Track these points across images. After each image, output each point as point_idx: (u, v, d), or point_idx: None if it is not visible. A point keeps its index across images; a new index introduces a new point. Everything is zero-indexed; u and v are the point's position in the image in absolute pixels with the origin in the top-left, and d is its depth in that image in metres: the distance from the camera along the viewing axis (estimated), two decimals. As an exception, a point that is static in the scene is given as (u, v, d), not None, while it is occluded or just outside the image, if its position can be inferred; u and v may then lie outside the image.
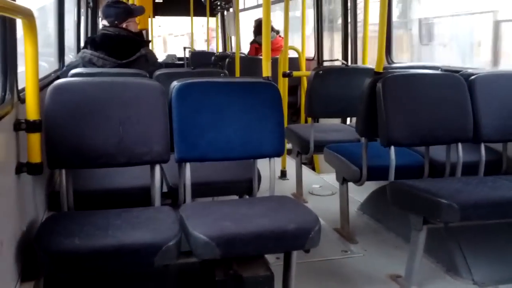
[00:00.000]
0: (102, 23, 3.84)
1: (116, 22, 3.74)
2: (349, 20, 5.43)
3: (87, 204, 2.36)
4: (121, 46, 3.66)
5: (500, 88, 2.98)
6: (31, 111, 2.05)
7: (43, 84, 2.54)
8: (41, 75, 2.28)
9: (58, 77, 3.31)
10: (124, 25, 3.78)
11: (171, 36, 9.52)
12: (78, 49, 5.29)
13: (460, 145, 2.87)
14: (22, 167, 2.04)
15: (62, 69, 3.99)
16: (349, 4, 5.39)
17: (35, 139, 2.08)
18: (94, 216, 2.09)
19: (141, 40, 3.90)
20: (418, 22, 7.66)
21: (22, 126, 2.05)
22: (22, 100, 2.11)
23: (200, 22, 8.65)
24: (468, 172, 2.88)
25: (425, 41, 7.76)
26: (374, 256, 3.00)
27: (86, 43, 3.87)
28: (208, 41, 9.23)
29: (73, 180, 2.32)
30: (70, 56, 4.90)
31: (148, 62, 3.78)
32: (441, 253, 2.82)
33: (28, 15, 1.94)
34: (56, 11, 4.21)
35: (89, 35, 6.28)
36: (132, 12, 3.92)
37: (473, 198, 2.41)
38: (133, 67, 3.64)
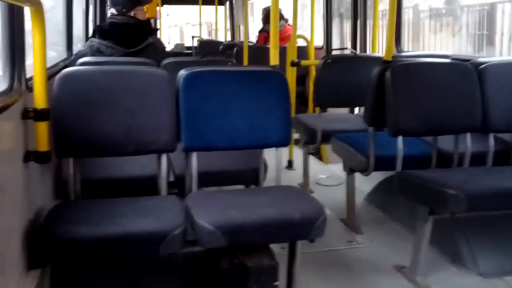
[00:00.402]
0: (110, 11, 3.85)
1: (124, 10, 3.74)
2: (358, 8, 5.38)
3: (94, 193, 2.38)
4: (129, 34, 3.67)
5: (510, 77, 2.95)
6: (39, 99, 2.07)
7: (51, 73, 2.55)
8: (49, 64, 2.29)
9: (66, 66, 3.33)
10: (132, 14, 3.78)
11: (188, 25, 9.43)
12: (87, 38, 5.30)
13: (468, 135, 2.84)
14: (30, 156, 2.06)
15: (71, 58, 4.00)
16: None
17: (43, 127, 2.09)
18: (101, 205, 2.11)
19: (149, 29, 3.90)
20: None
21: (30, 114, 2.06)
22: (30, 89, 2.12)
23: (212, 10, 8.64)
24: (476, 162, 2.86)
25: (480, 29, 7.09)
26: (379, 247, 3.00)
27: (94, 31, 3.88)
28: (216, 30, 9.19)
29: (80, 169, 2.34)
30: (78, 45, 4.91)
31: (156, 51, 3.79)
32: (447, 244, 2.82)
33: (36, 3, 1.95)
34: (64, 0, 4.21)
35: (97, 24, 6.28)
36: (140, 0, 3.92)
37: (480, 188, 2.39)
38: (141, 55, 3.65)
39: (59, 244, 1.83)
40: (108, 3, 3.88)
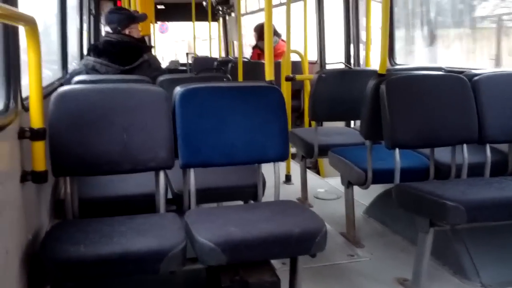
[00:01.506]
0: (105, 29, 3.87)
1: (119, 28, 3.77)
2: (351, 23, 5.43)
3: (92, 212, 2.36)
4: (123, 52, 3.68)
5: (504, 88, 2.97)
6: (35, 119, 2.05)
7: (46, 92, 2.54)
8: (44, 83, 2.28)
9: (61, 85, 3.32)
10: (127, 32, 3.80)
11: (198, 40, 9.40)
12: (81, 56, 5.31)
13: (465, 146, 2.85)
14: (27, 176, 2.04)
15: (66, 77, 4.00)
16: (351, 7, 5.39)
17: (39, 147, 2.08)
18: (99, 224, 2.08)
19: (143, 46, 3.91)
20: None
21: (27, 134, 2.05)
22: (26, 108, 2.11)
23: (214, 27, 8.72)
24: (473, 173, 2.87)
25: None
26: (380, 260, 2.99)
27: (89, 50, 3.90)
28: (210, 46, 9.24)
29: (78, 188, 2.32)
30: (73, 64, 4.92)
31: (151, 67, 3.80)
32: (448, 255, 2.80)
33: (31, 23, 1.95)
34: (59, 19, 4.22)
35: (91, 42, 6.30)
36: (134, 18, 3.95)
37: (479, 199, 2.39)
38: (136, 72, 3.65)
39: (58, 264, 1.80)
40: (103, 21, 3.90)
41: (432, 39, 5.26)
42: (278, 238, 2.00)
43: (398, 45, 5.02)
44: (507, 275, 2.64)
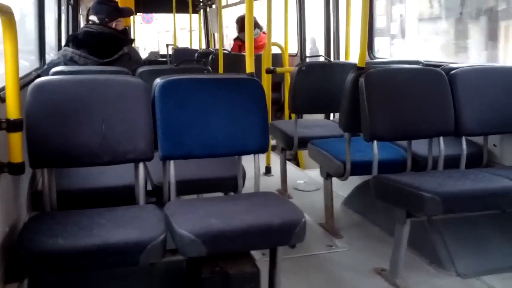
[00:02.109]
0: (90, 18, 3.79)
1: (106, 19, 3.71)
2: (331, 16, 5.45)
3: (71, 204, 2.34)
4: (103, 44, 3.63)
5: (480, 82, 3.03)
6: (12, 110, 2.02)
7: (23, 83, 2.50)
8: (21, 74, 2.25)
9: (39, 76, 3.27)
10: (113, 24, 3.76)
11: (184, 31, 9.19)
12: (59, 47, 5.23)
13: (441, 138, 2.90)
14: (3, 167, 2.01)
15: (43, 68, 3.94)
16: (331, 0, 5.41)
17: (16, 138, 2.05)
18: (77, 216, 2.07)
19: (124, 39, 3.86)
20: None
21: (3, 125, 2.02)
22: (2, 99, 2.08)
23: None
24: (450, 165, 2.92)
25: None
26: (359, 250, 3.03)
27: (67, 40, 3.83)
28: (190, 38, 9.17)
29: (56, 180, 2.29)
30: (51, 55, 4.84)
31: (131, 61, 3.75)
32: (424, 246, 2.86)
33: (7, 13, 1.91)
34: (36, 9, 4.15)
35: (70, 33, 6.20)
36: (121, 12, 3.92)
37: (455, 191, 2.44)
38: (116, 65, 3.60)
39: (36, 256, 1.79)
40: (90, 11, 3.83)
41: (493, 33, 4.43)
42: (258, 229, 2.02)
43: (443, 39, 4.50)
44: (481, 265, 2.70)
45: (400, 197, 2.55)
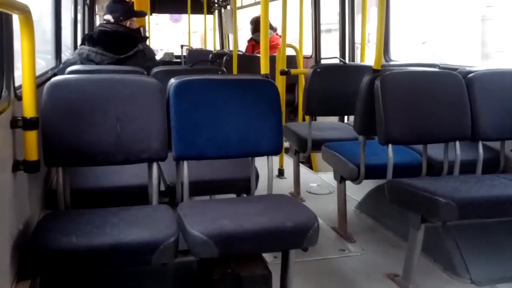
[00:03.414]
0: (104, 17, 3.86)
1: (121, 18, 3.78)
2: (346, 19, 5.42)
3: (84, 202, 2.35)
4: (118, 42, 3.67)
5: (497, 85, 2.98)
6: (28, 108, 2.04)
7: (40, 81, 2.52)
8: (38, 73, 2.27)
9: (55, 74, 3.30)
10: (128, 23, 3.82)
11: (211, 31, 9.16)
12: (75, 46, 5.27)
13: (458, 143, 2.86)
14: (19, 165, 2.03)
15: (59, 66, 3.98)
16: (346, 2, 5.38)
17: (32, 136, 2.06)
18: (91, 215, 2.08)
19: (138, 36, 3.91)
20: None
21: (19, 123, 2.03)
22: (19, 98, 2.10)
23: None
24: (465, 170, 2.88)
25: None
26: (372, 255, 3.00)
27: (83, 39, 3.88)
28: (205, 39, 9.19)
29: (70, 178, 2.31)
30: (67, 54, 4.88)
31: (146, 57, 3.82)
32: (439, 251, 2.82)
33: (25, 11, 1.93)
34: (53, 8, 4.19)
35: (86, 32, 6.25)
36: (135, 13, 4.01)
37: (471, 196, 2.40)
38: (131, 61, 3.65)
39: (49, 254, 1.80)
40: (105, 10, 3.90)
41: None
42: (270, 231, 2.01)
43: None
44: (496, 272, 2.66)
45: (415, 202, 2.52)
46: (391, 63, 4.53)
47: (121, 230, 1.94)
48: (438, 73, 3.14)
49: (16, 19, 1.98)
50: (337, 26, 5.55)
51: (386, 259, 2.91)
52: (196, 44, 9.25)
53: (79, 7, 6.06)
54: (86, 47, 3.65)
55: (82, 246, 1.82)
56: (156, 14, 10.35)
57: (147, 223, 2.02)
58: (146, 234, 1.91)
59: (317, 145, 3.67)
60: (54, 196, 2.27)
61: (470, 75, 2.96)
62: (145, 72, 3.35)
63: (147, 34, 7.49)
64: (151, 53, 4.01)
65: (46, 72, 3.54)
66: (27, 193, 2.22)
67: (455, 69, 3.14)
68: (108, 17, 3.79)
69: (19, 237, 1.97)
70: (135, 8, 4.87)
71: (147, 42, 4.11)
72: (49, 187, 2.68)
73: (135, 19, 3.95)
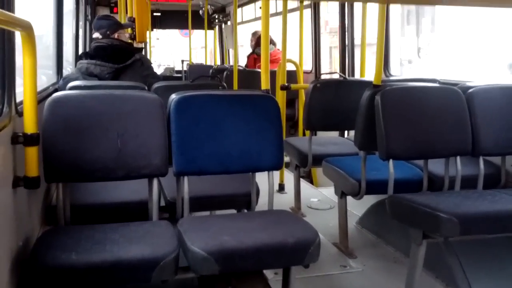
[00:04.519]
0: (94, 36, 3.94)
1: (108, 32, 3.84)
2: (346, 34, 5.46)
3: (84, 218, 2.34)
4: (115, 54, 3.73)
5: (498, 101, 2.99)
6: (29, 124, 2.04)
7: (41, 97, 2.53)
8: (39, 88, 2.27)
9: (56, 90, 3.31)
10: (116, 35, 3.88)
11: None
12: (76, 61, 5.30)
13: (458, 158, 2.86)
14: (19, 181, 2.02)
15: (60, 82, 3.99)
16: (346, 18, 5.42)
17: (32, 152, 2.06)
18: (91, 231, 2.06)
19: (133, 48, 4.01)
20: None
21: (20, 139, 2.03)
22: (20, 114, 2.10)
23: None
24: (467, 185, 2.87)
25: None
26: (373, 271, 2.98)
27: (80, 57, 3.94)
28: (206, 54, 9.24)
29: (70, 194, 2.30)
30: (68, 69, 4.90)
31: (143, 66, 3.88)
32: (441, 267, 2.80)
33: (27, 28, 1.94)
34: (55, 24, 4.21)
35: (87, 48, 6.30)
36: (122, 25, 4.09)
37: (473, 212, 2.39)
38: (130, 71, 3.71)
39: (49, 271, 1.78)
40: (93, 30, 3.99)
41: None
42: (271, 248, 1.99)
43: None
44: (499, 288, 2.64)
45: (416, 217, 2.51)
46: (391, 78, 4.55)
47: (121, 246, 1.92)
48: (438, 88, 3.15)
49: (18, 35, 1.99)
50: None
51: (388, 275, 2.89)
52: (204, 59, 9.29)
53: (81, 23, 6.10)
54: (84, 61, 3.70)
55: (82, 263, 1.81)
56: (157, 29, 10.41)
57: (147, 239, 2.01)
58: (146, 250, 1.90)
59: (318, 160, 3.66)
60: (54, 212, 2.26)
61: (470, 90, 2.97)
62: (146, 86, 3.36)
63: (147, 49, 7.54)
64: (147, 61, 4.10)
65: (47, 88, 3.55)
66: (27, 209, 2.21)
67: (455, 84, 3.15)
68: (96, 34, 3.89)
69: (18, 253, 1.95)
70: (136, 23, 4.94)
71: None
72: (49, 203, 2.67)
73: (123, 31, 4.02)
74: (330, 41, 12.30)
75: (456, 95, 2.93)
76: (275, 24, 5.34)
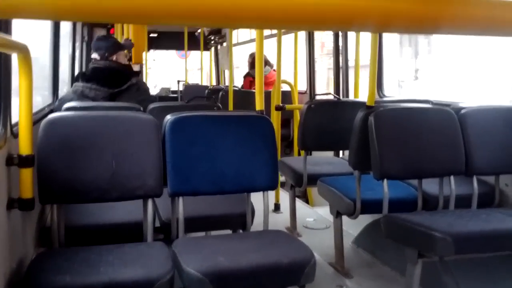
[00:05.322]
0: (92, 56, 3.93)
1: (106, 54, 3.83)
2: (340, 55, 5.52)
3: (79, 240, 2.33)
4: (111, 77, 3.72)
5: (490, 121, 3.02)
6: (24, 146, 2.05)
7: (36, 118, 2.54)
8: (35, 109, 2.28)
9: (51, 111, 3.32)
10: (114, 58, 3.86)
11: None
12: (72, 82, 5.33)
13: (452, 178, 2.88)
14: (13, 203, 2.02)
15: (56, 103, 4.00)
16: (340, 39, 5.49)
17: (27, 174, 2.06)
18: (85, 253, 2.06)
19: (130, 72, 3.99)
20: None
21: (15, 160, 2.04)
22: (15, 135, 2.11)
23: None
24: (461, 204, 2.89)
25: None
26: (369, 291, 2.97)
27: (77, 77, 3.93)
28: (201, 74, 9.32)
29: (64, 216, 2.29)
30: (64, 90, 4.92)
31: (139, 91, 3.86)
32: (437, 286, 2.79)
33: (23, 51, 1.96)
34: (51, 46, 4.25)
35: (84, 68, 6.33)
36: (121, 46, 4.05)
37: (467, 231, 2.40)
38: (125, 95, 3.69)
39: (42, 294, 1.77)
40: (92, 50, 3.97)
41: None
42: (266, 269, 1.99)
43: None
44: (495, 308, 2.63)
45: (411, 237, 2.51)
46: (385, 99, 4.59)
47: (115, 268, 1.92)
48: (431, 109, 3.18)
49: (14, 57, 2.01)
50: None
51: (384, 295, 2.88)
52: (202, 81, 9.36)
53: (77, 43, 6.15)
54: (80, 84, 3.69)
55: (76, 286, 1.80)
56: (154, 50, 10.49)
57: (142, 261, 2.00)
58: (141, 272, 1.89)
59: (313, 179, 3.67)
60: (48, 234, 2.25)
61: (463, 111, 3.01)
62: (141, 107, 3.37)
63: (143, 70, 7.58)
64: (143, 85, 4.08)
65: (43, 109, 3.56)
66: (21, 231, 2.20)
67: (448, 105, 3.19)
68: (95, 55, 3.87)
69: (12, 276, 1.94)
70: (134, 44, 4.96)
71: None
72: (43, 225, 2.66)
73: (122, 52, 4.01)
74: (328, 63, 12.41)
75: (449, 115, 2.97)
76: (272, 45, 5.40)
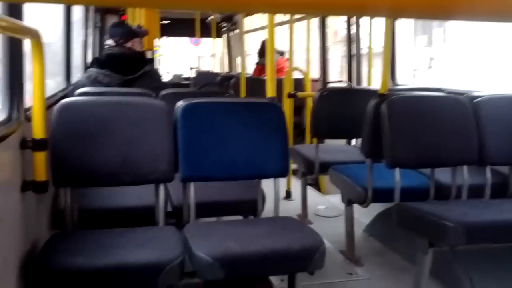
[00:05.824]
0: (107, 42, 3.95)
1: (121, 41, 3.84)
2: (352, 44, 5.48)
3: (91, 223, 2.36)
4: (126, 63, 3.74)
5: (505, 110, 2.98)
6: (37, 129, 2.07)
7: (49, 103, 2.56)
8: (47, 94, 2.30)
9: (65, 96, 3.34)
10: (129, 44, 3.88)
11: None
12: (85, 68, 5.35)
13: (465, 167, 2.85)
14: (28, 185, 2.05)
15: (69, 88, 4.03)
16: (353, 27, 5.44)
17: (41, 157, 2.09)
18: (98, 235, 2.08)
19: (145, 59, 4.01)
20: None
21: (28, 144, 2.06)
22: (29, 119, 2.13)
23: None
24: (474, 194, 2.86)
25: None
26: (379, 279, 2.97)
27: (92, 63, 3.96)
28: (214, 61, 9.30)
29: (77, 199, 2.32)
30: (77, 76, 4.95)
31: (152, 78, 3.89)
32: (447, 276, 2.79)
33: (35, 36, 1.97)
34: (64, 32, 4.26)
35: (96, 54, 6.36)
36: (136, 33, 4.06)
37: (479, 221, 2.38)
38: (138, 83, 3.72)
39: (56, 275, 1.80)
40: (107, 35, 3.99)
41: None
42: (276, 254, 2.00)
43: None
44: (506, 298, 2.62)
45: (422, 226, 2.50)
46: (397, 87, 4.55)
47: (127, 251, 1.94)
48: (444, 97, 3.15)
49: (27, 42, 2.02)
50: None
51: (394, 283, 2.88)
52: (216, 67, 9.35)
53: (90, 30, 6.17)
54: (94, 70, 3.72)
55: (88, 267, 1.82)
56: (166, 37, 10.48)
57: (153, 244, 2.02)
58: (152, 255, 1.92)
59: (325, 167, 3.66)
60: (61, 216, 2.29)
61: (477, 100, 2.97)
62: (154, 94, 3.39)
63: (155, 56, 7.59)
64: (157, 74, 4.11)
65: (55, 94, 3.59)
66: (35, 213, 2.24)
67: (462, 94, 3.15)
68: (110, 41, 3.89)
69: (26, 256, 1.97)
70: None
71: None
72: (57, 207, 2.69)
73: (139, 40, 4.02)
74: (341, 50, 12.31)
75: (462, 104, 2.93)
76: (284, 32, 5.37)
